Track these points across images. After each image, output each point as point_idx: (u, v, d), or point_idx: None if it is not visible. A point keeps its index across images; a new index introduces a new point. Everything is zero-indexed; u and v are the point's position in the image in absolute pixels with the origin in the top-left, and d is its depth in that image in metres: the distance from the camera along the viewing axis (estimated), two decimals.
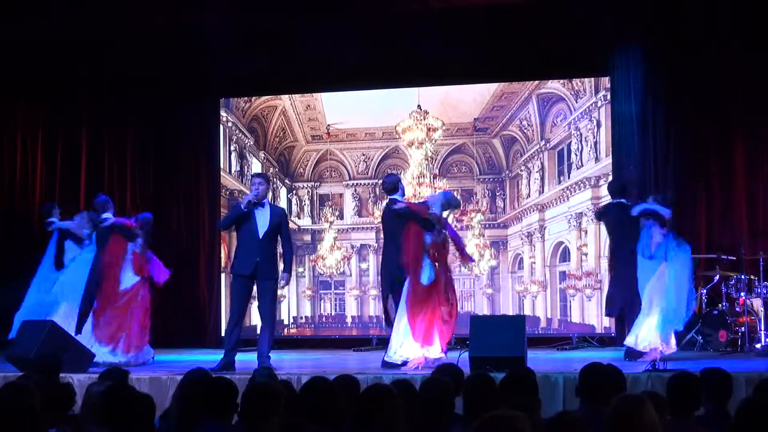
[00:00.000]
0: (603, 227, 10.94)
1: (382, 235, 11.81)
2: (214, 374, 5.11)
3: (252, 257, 8.42)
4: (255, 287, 8.56)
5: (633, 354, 8.55)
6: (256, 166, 12.04)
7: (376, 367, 8.15)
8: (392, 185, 8.65)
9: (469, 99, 11.68)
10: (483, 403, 4.39)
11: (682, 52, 10.56)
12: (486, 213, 11.58)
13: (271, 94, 12.19)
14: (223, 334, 9.76)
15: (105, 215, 9.31)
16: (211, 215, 11.67)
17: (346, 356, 10.14)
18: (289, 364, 8.48)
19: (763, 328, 9.35)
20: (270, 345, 8.49)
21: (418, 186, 11.59)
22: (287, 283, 8.86)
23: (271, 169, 12.03)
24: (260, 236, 8.43)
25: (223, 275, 11.72)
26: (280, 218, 8.62)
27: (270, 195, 9.44)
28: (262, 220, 8.49)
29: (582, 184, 11.21)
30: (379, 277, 9.29)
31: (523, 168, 11.59)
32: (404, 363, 8.02)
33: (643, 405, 3.43)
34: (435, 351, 8.05)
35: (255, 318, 10.29)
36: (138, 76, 11.71)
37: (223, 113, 12.04)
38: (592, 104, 11.24)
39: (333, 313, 11.99)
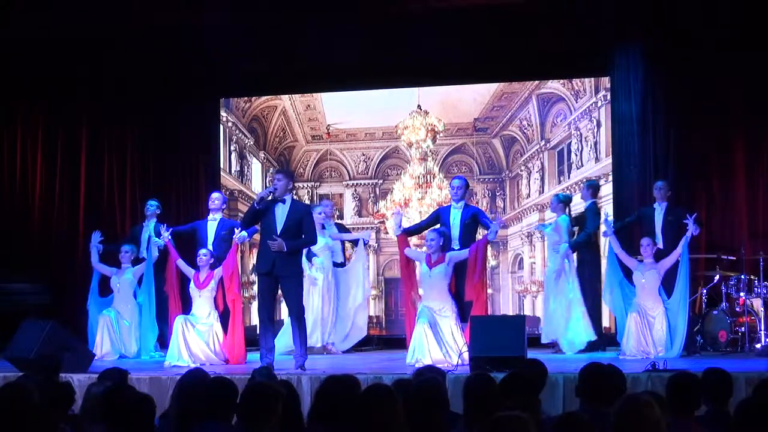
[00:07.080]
0: (602, 228, 10.97)
1: (382, 235, 11.88)
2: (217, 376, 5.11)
3: (270, 254, 8.26)
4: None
5: None
6: (256, 166, 12.04)
7: (377, 368, 8.15)
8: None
9: (469, 99, 11.68)
10: (483, 403, 4.39)
11: (682, 52, 10.54)
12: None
13: (271, 94, 12.19)
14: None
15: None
16: None
17: (346, 356, 10.13)
18: (288, 364, 8.45)
19: (763, 328, 9.35)
20: (302, 344, 8.28)
21: (417, 186, 11.59)
22: (278, 247, 8.18)
23: (271, 169, 12.02)
24: (277, 232, 8.26)
25: None
26: (299, 214, 8.34)
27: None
28: (281, 216, 8.30)
29: (582, 184, 11.19)
30: None
31: (523, 168, 11.59)
32: None
33: (650, 404, 3.43)
34: None
35: (254, 319, 10.29)
36: (138, 76, 11.70)
37: (223, 113, 12.04)
38: (592, 104, 11.24)
39: None
